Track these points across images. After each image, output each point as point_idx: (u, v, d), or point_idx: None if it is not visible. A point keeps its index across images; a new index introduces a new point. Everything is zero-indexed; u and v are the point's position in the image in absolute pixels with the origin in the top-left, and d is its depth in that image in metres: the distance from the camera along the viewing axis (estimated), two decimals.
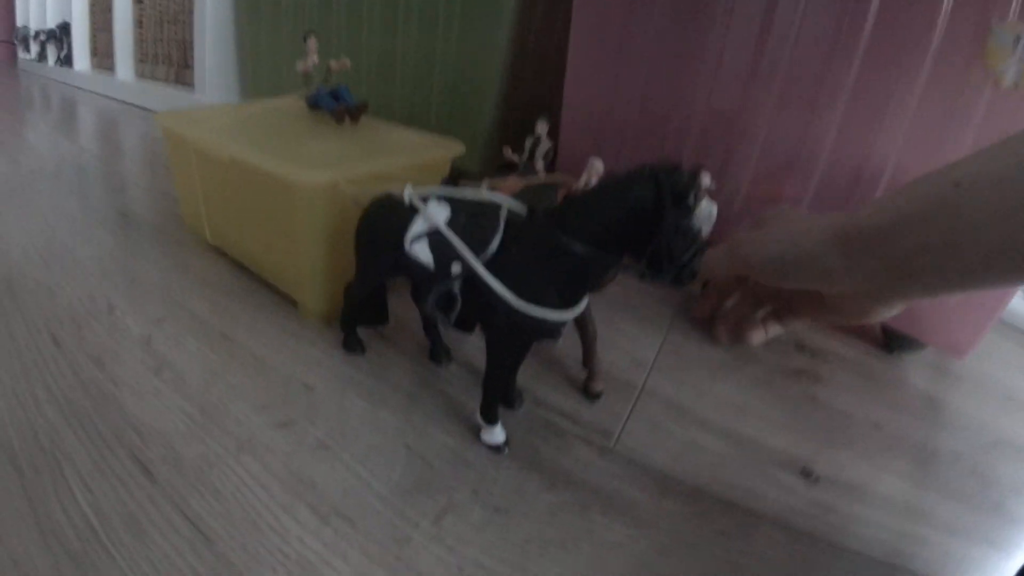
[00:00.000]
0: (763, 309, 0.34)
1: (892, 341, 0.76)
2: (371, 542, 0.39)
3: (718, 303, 0.36)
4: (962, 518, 0.50)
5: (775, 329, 0.34)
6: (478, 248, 0.39)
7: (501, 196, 0.41)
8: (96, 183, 1.01)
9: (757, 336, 0.34)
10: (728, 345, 0.35)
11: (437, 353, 0.57)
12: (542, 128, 0.79)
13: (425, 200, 0.43)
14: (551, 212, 0.38)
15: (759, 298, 0.34)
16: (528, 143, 0.81)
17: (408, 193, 0.43)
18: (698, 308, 0.36)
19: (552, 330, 0.40)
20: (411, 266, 0.42)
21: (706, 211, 0.71)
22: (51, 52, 1.96)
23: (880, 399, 0.65)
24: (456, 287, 0.40)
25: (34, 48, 2.04)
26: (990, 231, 0.19)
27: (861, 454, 0.56)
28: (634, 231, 0.36)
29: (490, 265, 0.39)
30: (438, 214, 0.41)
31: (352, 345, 0.57)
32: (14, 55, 2.20)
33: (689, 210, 0.34)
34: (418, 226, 0.42)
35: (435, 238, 0.41)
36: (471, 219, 0.41)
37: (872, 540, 0.46)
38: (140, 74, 1.68)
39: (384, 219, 0.45)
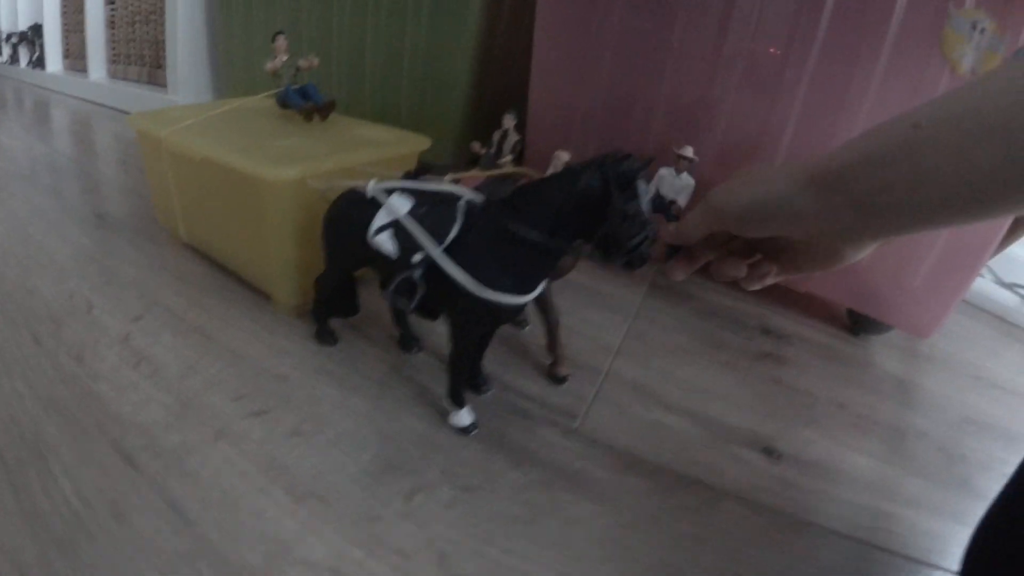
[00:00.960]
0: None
1: (857, 323, 0.80)
2: (344, 521, 0.41)
3: (691, 263, 0.36)
4: (927, 494, 0.53)
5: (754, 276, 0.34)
6: (438, 237, 0.42)
7: (459, 187, 0.44)
8: (71, 184, 1.03)
9: (734, 268, 0.34)
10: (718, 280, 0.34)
11: (406, 341, 0.59)
12: (509, 122, 0.82)
13: (388, 193, 0.46)
14: (505, 201, 0.41)
15: (735, 255, 0.35)
16: (496, 137, 0.84)
17: (372, 186, 0.46)
18: (672, 268, 0.36)
19: (511, 313, 0.43)
20: (376, 256, 0.45)
21: (685, 181, 0.75)
22: (23, 54, 1.96)
23: (845, 380, 0.69)
24: (416, 275, 0.42)
25: (6, 51, 2.03)
26: (946, 169, 0.20)
27: (825, 433, 0.59)
28: (583, 217, 0.38)
29: (449, 253, 0.42)
30: (400, 206, 0.44)
31: (324, 336, 0.59)
32: None
33: (635, 196, 0.36)
34: (381, 218, 0.45)
35: (397, 229, 0.44)
36: (431, 210, 0.44)
37: (834, 515, 0.49)
38: (113, 75, 1.69)
39: (349, 212, 0.48)
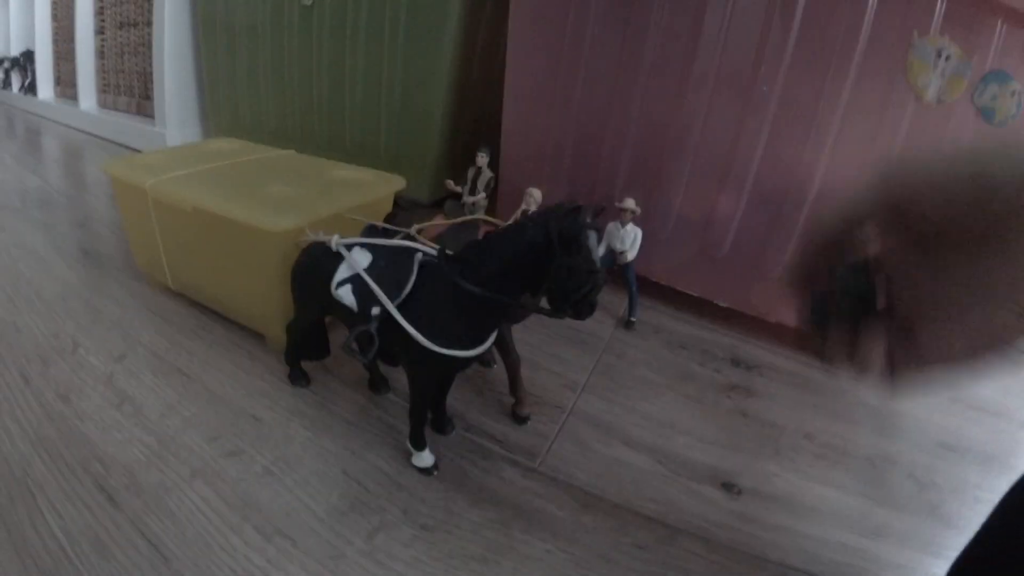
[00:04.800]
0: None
1: None
2: (309, 558, 0.47)
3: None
4: (894, 524, 0.56)
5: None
6: (393, 292, 0.48)
7: (414, 244, 0.51)
8: (60, 218, 1.10)
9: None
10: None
11: (376, 383, 0.66)
12: (482, 159, 0.89)
13: (350, 248, 0.53)
14: (455, 257, 0.47)
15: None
16: (470, 174, 0.91)
17: (335, 241, 0.53)
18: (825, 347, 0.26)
19: (463, 364, 0.50)
20: (338, 307, 0.52)
21: (631, 232, 0.81)
22: (15, 80, 2.07)
23: (815, 409, 0.72)
24: (374, 328, 0.48)
25: None
26: None
27: (789, 466, 0.63)
28: (528, 272, 0.44)
29: (404, 307, 0.48)
30: (360, 261, 0.51)
31: (297, 378, 0.66)
32: None
33: (579, 251, 0.41)
34: (343, 272, 0.51)
35: (357, 282, 0.50)
36: (389, 264, 0.50)
37: (794, 551, 0.52)
38: (103, 104, 1.79)
39: (314, 265, 0.54)
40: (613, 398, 0.71)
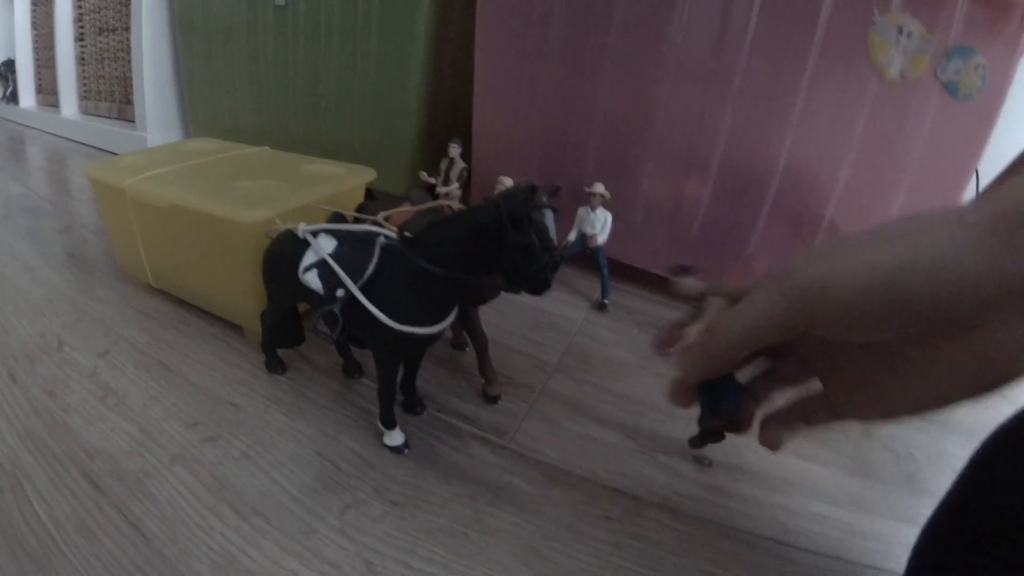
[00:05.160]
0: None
1: None
2: (283, 535, 0.49)
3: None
4: (869, 494, 0.57)
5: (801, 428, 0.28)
6: (357, 275, 0.50)
7: (377, 228, 0.54)
8: (45, 224, 1.13)
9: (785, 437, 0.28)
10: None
11: (350, 369, 0.68)
12: (454, 151, 0.91)
13: (316, 234, 0.55)
14: (414, 238, 0.50)
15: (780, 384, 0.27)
16: (443, 165, 0.94)
17: (302, 229, 0.56)
18: (662, 339, 0.32)
19: (426, 342, 0.52)
20: (306, 292, 0.54)
21: (601, 216, 0.84)
22: None
23: None
24: (338, 308, 0.51)
25: None
26: None
27: None
28: (481, 252, 0.46)
29: (366, 289, 0.50)
30: (325, 246, 0.53)
31: (273, 366, 0.68)
32: None
33: (528, 228, 0.43)
34: (309, 257, 0.54)
35: (323, 267, 0.53)
36: (352, 249, 0.53)
37: (764, 520, 0.54)
38: (84, 110, 1.80)
39: (283, 253, 0.57)
40: (585, 378, 0.73)
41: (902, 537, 0.52)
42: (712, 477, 0.59)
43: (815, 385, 0.27)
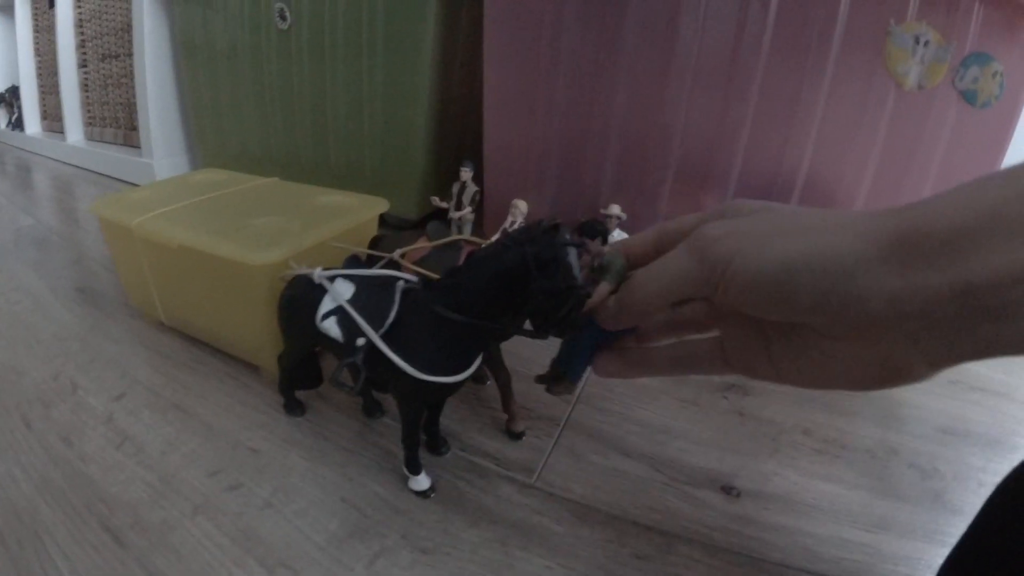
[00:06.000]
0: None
1: None
2: None
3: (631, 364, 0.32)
4: (896, 515, 0.56)
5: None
6: (377, 322, 0.49)
7: (396, 272, 0.53)
8: (54, 257, 1.12)
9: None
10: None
11: (370, 408, 0.67)
12: (466, 174, 0.90)
13: (332, 279, 0.54)
14: (435, 285, 0.48)
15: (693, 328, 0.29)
16: (455, 189, 0.93)
17: (318, 274, 0.55)
18: (602, 365, 0.35)
19: (450, 390, 0.51)
20: (325, 338, 0.53)
21: (618, 237, 0.83)
22: (2, 116, 2.10)
23: (813, 404, 0.73)
24: (360, 359, 0.50)
25: None
26: None
27: (788, 463, 0.63)
28: (507, 297, 0.44)
29: (389, 336, 0.49)
30: (343, 292, 0.52)
31: (292, 408, 0.67)
32: None
33: (556, 273, 0.41)
34: (327, 304, 0.53)
35: (341, 314, 0.51)
36: (372, 294, 0.51)
37: (793, 549, 0.53)
38: (90, 137, 1.80)
39: (299, 297, 0.56)
40: (608, 407, 0.72)
41: (928, 558, 0.51)
42: (740, 507, 0.58)
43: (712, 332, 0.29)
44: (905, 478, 0.62)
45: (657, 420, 0.70)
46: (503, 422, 0.67)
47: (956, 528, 0.52)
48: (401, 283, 0.51)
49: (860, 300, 0.17)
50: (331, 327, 0.52)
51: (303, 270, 0.57)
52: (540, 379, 0.45)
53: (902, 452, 0.65)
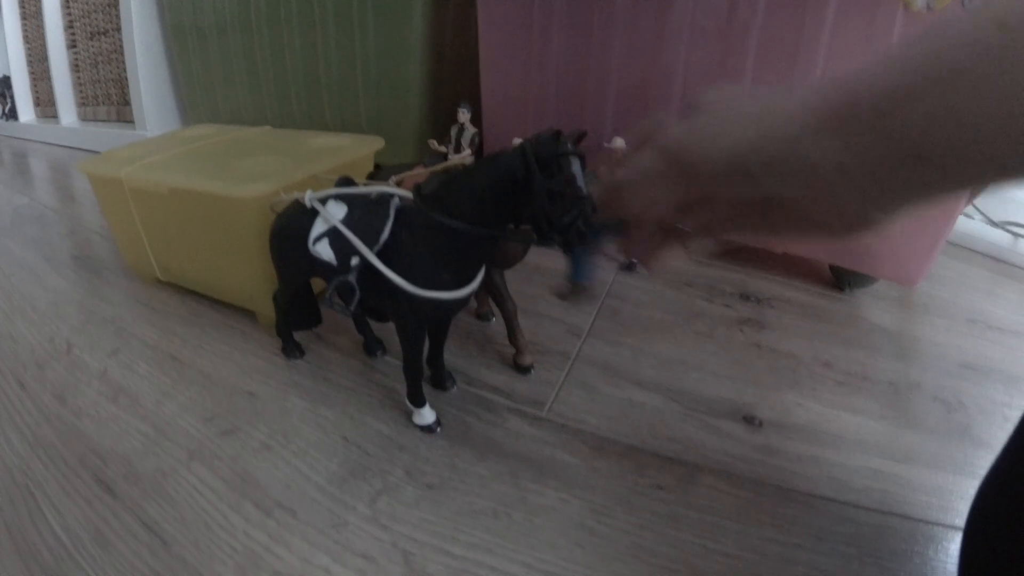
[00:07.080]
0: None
1: (842, 279, 0.80)
2: (311, 529, 0.45)
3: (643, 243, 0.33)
4: (924, 447, 0.53)
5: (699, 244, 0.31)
6: (371, 240, 0.45)
7: (390, 187, 0.48)
8: (50, 231, 1.10)
9: (675, 255, 0.31)
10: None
11: (371, 346, 0.64)
12: (463, 116, 0.86)
13: (324, 201, 0.50)
14: (432, 194, 0.44)
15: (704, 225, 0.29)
16: (453, 132, 0.88)
17: (308, 196, 0.50)
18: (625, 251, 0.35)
19: (453, 308, 0.47)
20: (318, 265, 0.49)
21: None
22: None
23: (832, 338, 0.69)
24: (353, 277, 0.46)
25: None
26: None
27: (810, 395, 0.60)
28: (508, 201, 0.40)
29: (384, 254, 0.45)
30: (335, 213, 0.48)
31: (290, 350, 0.64)
32: None
33: (559, 173, 0.38)
34: (318, 226, 0.48)
35: (334, 235, 0.47)
36: (365, 213, 0.47)
37: (822, 480, 0.49)
38: (83, 117, 1.78)
39: (290, 225, 0.52)
40: (620, 341, 0.68)
41: (961, 489, 0.49)
42: (764, 436, 0.54)
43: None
44: (930, 411, 0.58)
45: (672, 352, 0.66)
46: (511, 357, 0.63)
47: (985, 461, 0.51)
48: (395, 199, 0.47)
49: (813, 171, 0.20)
50: (323, 249, 0.48)
51: (294, 195, 0.52)
52: (558, 294, 0.41)
53: (925, 386, 0.62)
